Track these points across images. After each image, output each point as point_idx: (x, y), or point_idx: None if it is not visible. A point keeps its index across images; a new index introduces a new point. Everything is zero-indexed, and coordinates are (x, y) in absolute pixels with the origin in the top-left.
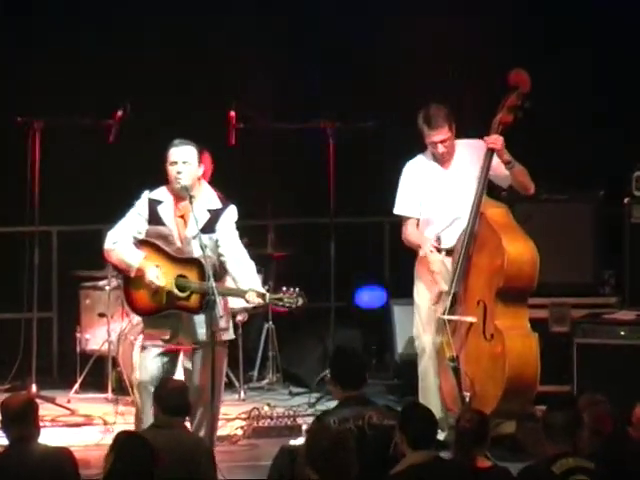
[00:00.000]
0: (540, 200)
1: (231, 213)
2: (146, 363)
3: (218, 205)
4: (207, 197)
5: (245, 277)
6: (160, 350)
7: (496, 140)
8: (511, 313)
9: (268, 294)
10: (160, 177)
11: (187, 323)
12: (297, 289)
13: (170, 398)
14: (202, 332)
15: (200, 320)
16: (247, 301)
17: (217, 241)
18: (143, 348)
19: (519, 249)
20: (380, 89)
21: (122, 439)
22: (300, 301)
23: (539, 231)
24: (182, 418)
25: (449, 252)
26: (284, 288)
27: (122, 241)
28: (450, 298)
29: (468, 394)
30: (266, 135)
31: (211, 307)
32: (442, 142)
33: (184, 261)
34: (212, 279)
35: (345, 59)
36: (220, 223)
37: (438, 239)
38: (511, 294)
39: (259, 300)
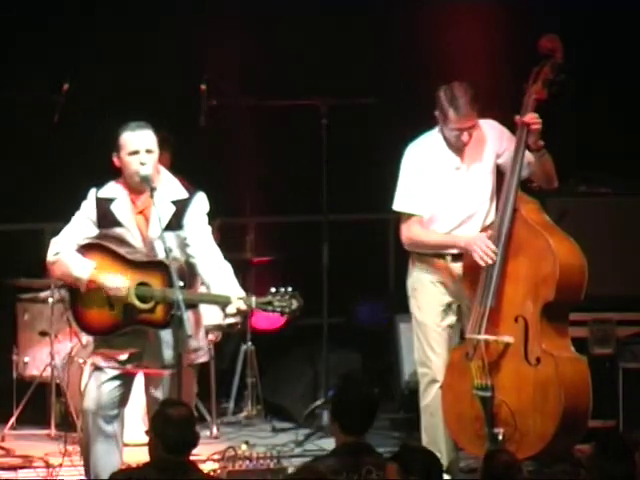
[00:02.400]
0: (577, 194)
1: (200, 203)
2: (92, 387)
3: (184, 195)
4: (169, 186)
5: (221, 282)
6: (115, 373)
7: (535, 119)
8: (556, 332)
9: (254, 298)
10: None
11: (154, 342)
12: (289, 289)
13: (175, 431)
14: (172, 353)
15: (169, 339)
16: (226, 310)
17: (185, 239)
18: (95, 369)
19: (568, 253)
20: (380, 59)
21: None
22: (295, 303)
23: (575, 231)
24: (188, 455)
25: (455, 257)
26: (272, 289)
27: (66, 250)
28: (487, 313)
29: (501, 430)
30: (244, 115)
31: (177, 324)
32: (469, 129)
33: (144, 265)
34: (178, 291)
35: (341, 25)
36: (188, 216)
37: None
38: (558, 308)
39: (242, 307)
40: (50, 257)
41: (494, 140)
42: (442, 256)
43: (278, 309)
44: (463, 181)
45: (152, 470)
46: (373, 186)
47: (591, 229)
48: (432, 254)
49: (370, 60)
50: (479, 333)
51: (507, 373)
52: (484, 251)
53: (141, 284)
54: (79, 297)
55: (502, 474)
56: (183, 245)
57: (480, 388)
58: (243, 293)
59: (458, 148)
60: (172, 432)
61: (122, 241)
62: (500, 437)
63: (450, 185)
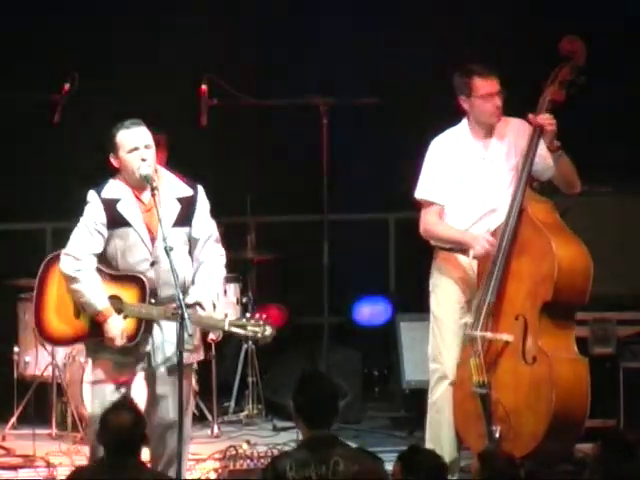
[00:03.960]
0: (578, 192)
1: (204, 198)
2: (99, 395)
3: (188, 191)
4: (170, 183)
5: (196, 284)
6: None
7: (549, 119)
8: (557, 332)
9: (228, 319)
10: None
11: (158, 341)
12: (264, 316)
13: (111, 437)
14: (174, 352)
15: (173, 338)
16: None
17: (191, 236)
18: (95, 382)
19: (571, 255)
20: (381, 59)
21: None
22: (268, 330)
23: (575, 231)
24: (134, 456)
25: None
26: (247, 314)
27: (88, 270)
28: (485, 310)
29: (498, 428)
30: (245, 114)
31: (179, 323)
32: (498, 94)
33: (122, 279)
34: (179, 289)
35: (341, 26)
36: (197, 214)
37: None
38: (559, 309)
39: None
40: (71, 271)
41: (520, 138)
42: (464, 252)
43: (251, 333)
44: (487, 172)
45: (99, 468)
46: (373, 186)
47: (591, 228)
48: (456, 249)
49: (371, 60)
50: (476, 329)
51: (505, 371)
52: (483, 243)
53: (112, 297)
54: (44, 304)
55: (501, 474)
56: (187, 242)
57: (478, 385)
58: (204, 299)
59: (491, 124)
60: (109, 439)
61: (132, 244)
62: (497, 435)
63: (474, 175)
